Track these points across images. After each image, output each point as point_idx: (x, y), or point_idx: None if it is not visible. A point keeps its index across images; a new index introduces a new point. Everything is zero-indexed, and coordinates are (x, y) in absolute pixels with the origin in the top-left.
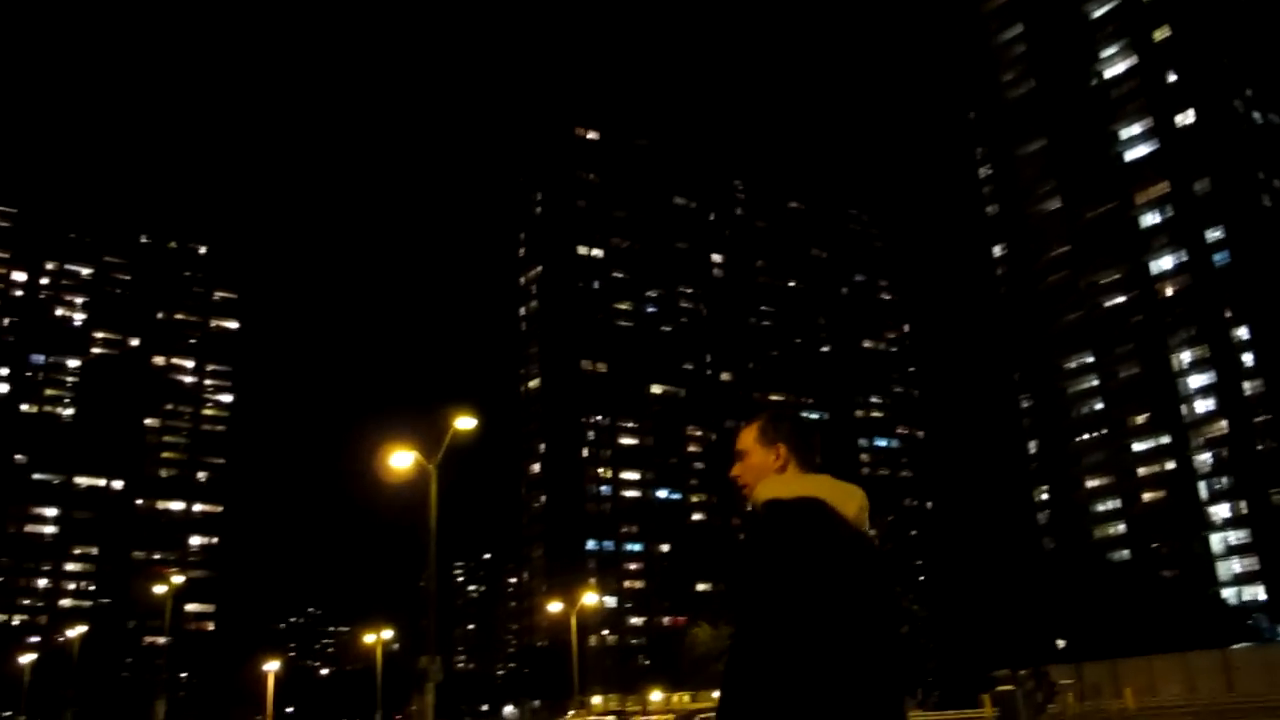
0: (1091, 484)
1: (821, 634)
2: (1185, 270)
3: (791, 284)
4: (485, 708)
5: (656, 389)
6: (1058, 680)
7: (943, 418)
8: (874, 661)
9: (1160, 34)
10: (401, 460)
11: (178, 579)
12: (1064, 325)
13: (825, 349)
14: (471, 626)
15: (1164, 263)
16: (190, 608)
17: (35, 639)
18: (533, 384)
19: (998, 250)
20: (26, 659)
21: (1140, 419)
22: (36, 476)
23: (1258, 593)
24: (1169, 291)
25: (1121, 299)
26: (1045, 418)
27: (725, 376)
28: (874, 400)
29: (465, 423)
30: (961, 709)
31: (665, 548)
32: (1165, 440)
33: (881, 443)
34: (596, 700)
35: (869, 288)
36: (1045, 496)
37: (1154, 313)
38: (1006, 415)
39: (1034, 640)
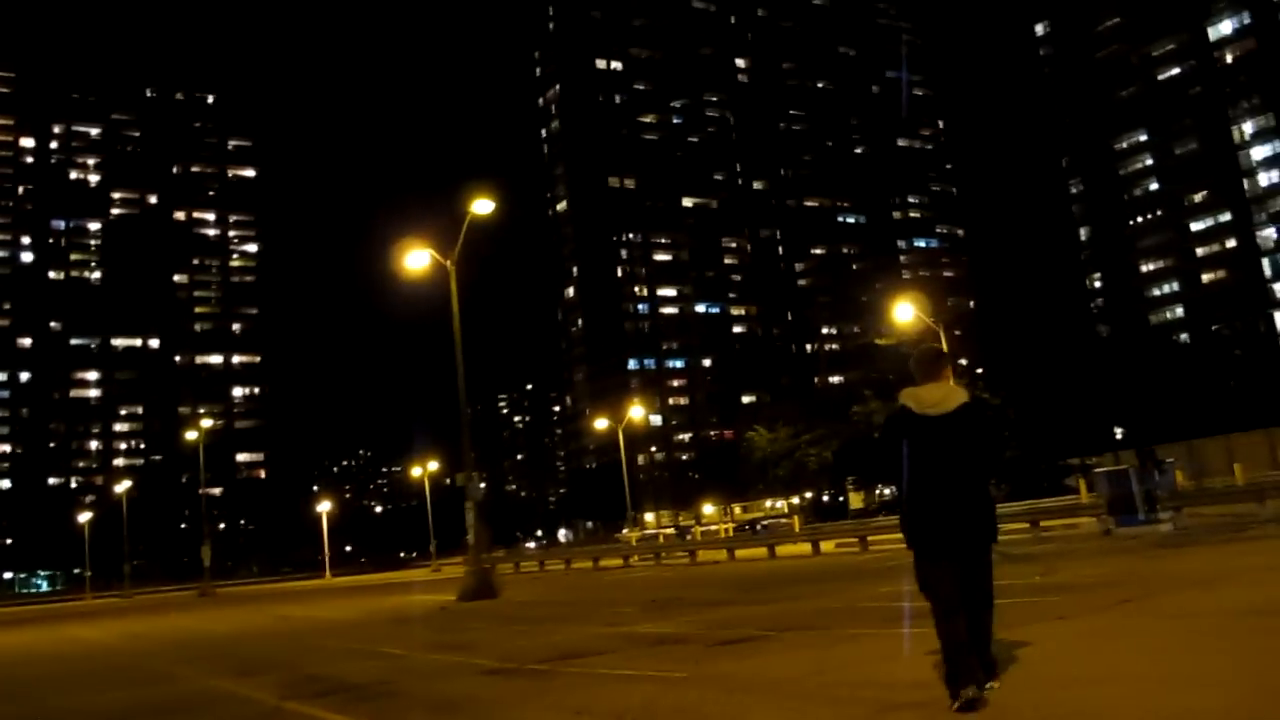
0: (1147, 268)
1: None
2: (1249, 34)
3: (820, 85)
4: (539, 533)
5: (688, 201)
6: (1164, 459)
7: (985, 213)
8: (929, 475)
9: None
10: (418, 260)
11: (206, 423)
12: (1115, 103)
13: (859, 150)
14: (521, 456)
15: (1224, 27)
16: (241, 457)
17: (92, 499)
18: (561, 207)
19: (1040, 29)
20: (84, 518)
21: (1199, 196)
22: (74, 341)
23: None
24: (1230, 58)
25: (1178, 70)
26: (1097, 202)
27: (758, 185)
28: (912, 200)
29: (482, 206)
30: (1035, 499)
31: (708, 362)
32: (1226, 217)
33: (921, 243)
34: (649, 517)
35: (901, 84)
36: (1099, 285)
37: (1214, 83)
38: (1055, 203)
39: (1093, 429)
